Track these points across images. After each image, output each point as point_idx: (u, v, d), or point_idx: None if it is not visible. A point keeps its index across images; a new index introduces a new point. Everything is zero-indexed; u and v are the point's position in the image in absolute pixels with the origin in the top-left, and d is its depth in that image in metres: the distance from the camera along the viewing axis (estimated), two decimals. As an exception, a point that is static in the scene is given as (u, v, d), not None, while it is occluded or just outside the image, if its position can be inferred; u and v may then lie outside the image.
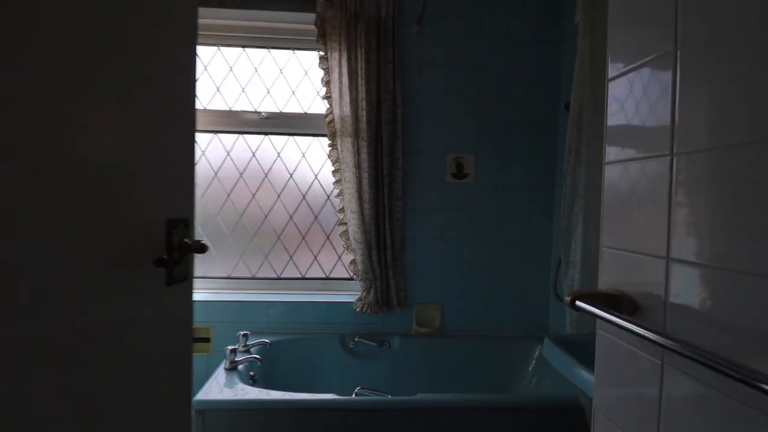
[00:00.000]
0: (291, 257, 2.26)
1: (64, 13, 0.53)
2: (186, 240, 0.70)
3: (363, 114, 2.00)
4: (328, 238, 2.26)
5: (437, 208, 2.12)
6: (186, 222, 0.72)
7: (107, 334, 0.61)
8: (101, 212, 0.59)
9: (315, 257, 2.27)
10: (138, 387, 0.67)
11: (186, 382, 0.77)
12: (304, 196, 2.25)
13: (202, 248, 0.70)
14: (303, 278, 2.26)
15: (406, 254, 2.12)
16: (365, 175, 2.01)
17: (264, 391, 1.56)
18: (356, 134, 2.02)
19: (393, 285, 2.06)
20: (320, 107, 2.17)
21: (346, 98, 2.01)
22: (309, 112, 2.23)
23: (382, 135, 2.02)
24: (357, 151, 2.02)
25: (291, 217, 2.25)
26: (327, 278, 2.27)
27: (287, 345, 2.04)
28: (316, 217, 2.26)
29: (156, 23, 0.70)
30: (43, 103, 0.51)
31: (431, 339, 2.12)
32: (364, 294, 2.07)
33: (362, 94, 2.00)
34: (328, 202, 2.25)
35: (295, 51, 2.23)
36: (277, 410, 1.48)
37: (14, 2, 0.46)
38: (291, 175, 2.25)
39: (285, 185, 2.25)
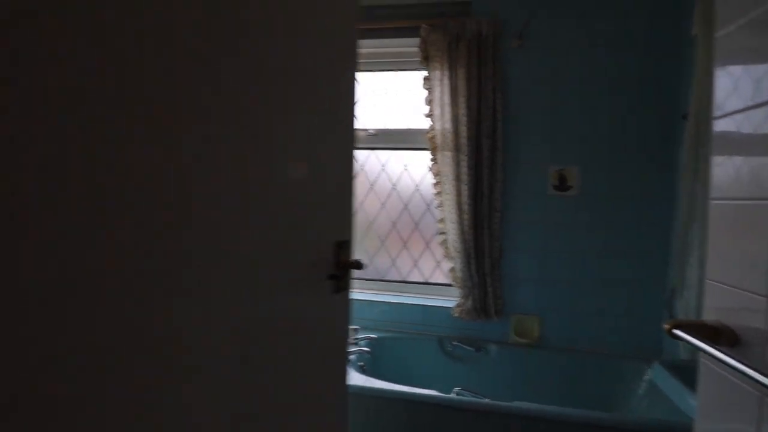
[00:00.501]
0: (393, 261, 2.46)
1: (276, 62, 0.74)
2: (348, 259, 0.90)
3: (463, 129, 2.11)
4: (428, 246, 2.42)
5: (538, 219, 2.13)
6: (348, 243, 0.91)
7: (297, 328, 0.83)
8: (300, 234, 0.81)
9: (415, 263, 2.44)
10: (312, 371, 0.88)
11: (343, 370, 0.97)
12: (406, 206, 2.44)
13: (359, 265, 0.89)
14: (404, 281, 2.44)
15: (506, 264, 2.17)
16: (465, 188, 2.11)
17: (370, 379, 1.76)
18: (457, 149, 2.13)
19: (491, 293, 2.13)
20: (421, 122, 2.32)
21: (447, 115, 2.13)
22: (411, 127, 2.40)
23: (482, 149, 2.10)
24: (457, 165, 2.13)
25: (394, 225, 2.45)
26: (426, 283, 2.42)
27: (389, 342, 2.24)
28: (416, 226, 2.43)
29: (328, 52, 0.87)
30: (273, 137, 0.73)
31: (529, 350, 2.14)
32: (462, 300, 2.17)
33: (463, 110, 2.11)
34: (428, 211, 2.39)
35: (398, 72, 2.41)
36: (386, 399, 1.67)
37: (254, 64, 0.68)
38: (394, 186, 2.45)
39: (388, 196, 2.45)
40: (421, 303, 2.31)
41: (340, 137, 0.96)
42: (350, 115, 0.97)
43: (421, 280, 2.43)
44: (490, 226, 2.12)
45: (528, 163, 2.13)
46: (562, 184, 2.08)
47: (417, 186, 2.42)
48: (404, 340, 2.27)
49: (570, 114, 2.08)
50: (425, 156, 2.26)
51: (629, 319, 2.06)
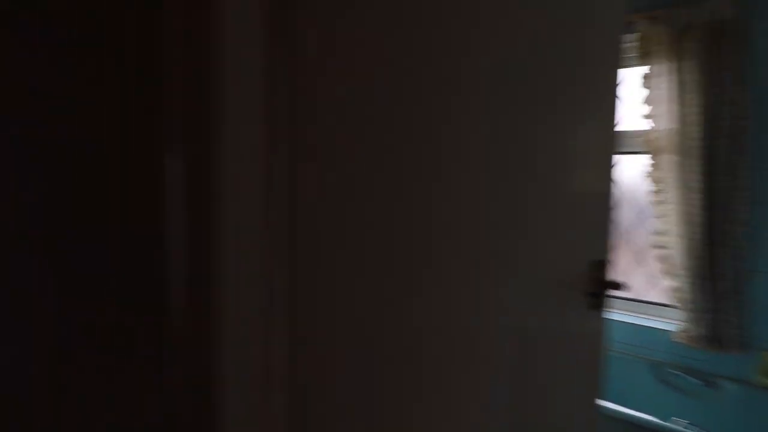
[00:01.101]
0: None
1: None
2: (607, 279, 0.92)
3: (692, 130, 1.86)
4: (640, 259, 2.20)
5: (804, 237, 1.73)
6: (605, 263, 0.94)
7: (553, 335, 0.89)
8: (564, 253, 0.88)
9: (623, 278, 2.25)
10: (565, 380, 0.93)
11: (595, 384, 1.00)
12: (610, 215, 2.27)
13: (618, 286, 0.90)
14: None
15: (754, 289, 1.82)
16: (695, 197, 1.86)
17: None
18: (684, 152, 1.89)
19: (729, 322, 1.82)
20: (631, 124, 2.12)
21: (673, 115, 1.91)
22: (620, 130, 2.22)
23: (719, 151, 1.82)
24: (685, 170, 1.89)
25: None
26: (638, 300, 2.20)
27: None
28: (623, 237, 2.23)
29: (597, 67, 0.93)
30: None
31: (785, 395, 1.76)
32: (688, 325, 1.91)
33: (692, 109, 1.86)
34: (639, 221, 2.18)
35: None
36: (603, 416, 1.60)
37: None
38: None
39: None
40: (629, 321, 2.11)
41: (602, 153, 0.97)
42: (611, 128, 0.97)
43: (630, 296, 2.22)
44: (731, 243, 1.81)
45: (788, 167, 1.76)
46: None
47: (626, 193, 2.22)
48: (612, 358, 2.11)
49: None
50: (635, 160, 2.06)
51: None
